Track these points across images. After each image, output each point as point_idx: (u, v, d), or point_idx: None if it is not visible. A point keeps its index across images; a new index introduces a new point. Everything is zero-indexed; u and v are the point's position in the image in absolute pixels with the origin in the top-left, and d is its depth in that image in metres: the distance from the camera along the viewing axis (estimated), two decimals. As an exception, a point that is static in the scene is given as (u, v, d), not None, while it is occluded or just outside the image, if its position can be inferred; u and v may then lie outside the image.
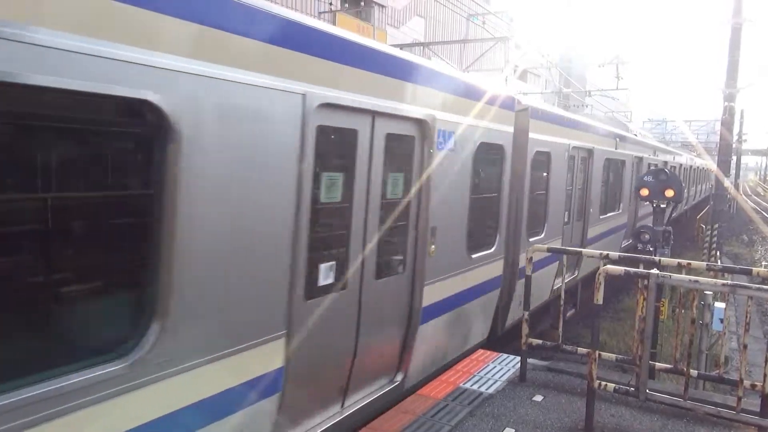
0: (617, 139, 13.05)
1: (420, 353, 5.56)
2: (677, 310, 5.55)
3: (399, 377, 5.39)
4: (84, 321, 2.91)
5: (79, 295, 2.89)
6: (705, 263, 5.72)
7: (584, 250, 6.45)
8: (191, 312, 3.18)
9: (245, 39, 3.40)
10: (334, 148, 4.43)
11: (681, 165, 24.68)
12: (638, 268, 5.32)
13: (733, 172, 30.12)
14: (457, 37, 27.86)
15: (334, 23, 19.22)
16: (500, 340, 7.52)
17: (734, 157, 30.09)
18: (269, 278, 3.72)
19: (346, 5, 22.80)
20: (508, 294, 7.59)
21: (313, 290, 4.17)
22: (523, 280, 5.98)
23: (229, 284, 3.43)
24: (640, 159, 15.74)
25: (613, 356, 5.76)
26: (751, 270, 5.41)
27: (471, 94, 6.15)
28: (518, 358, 5.99)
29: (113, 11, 2.68)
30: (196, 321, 3.22)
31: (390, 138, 4.88)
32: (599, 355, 5.02)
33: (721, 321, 7.95)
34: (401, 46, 12.14)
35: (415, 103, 5.11)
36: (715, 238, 16.42)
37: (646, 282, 4.87)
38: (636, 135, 17.43)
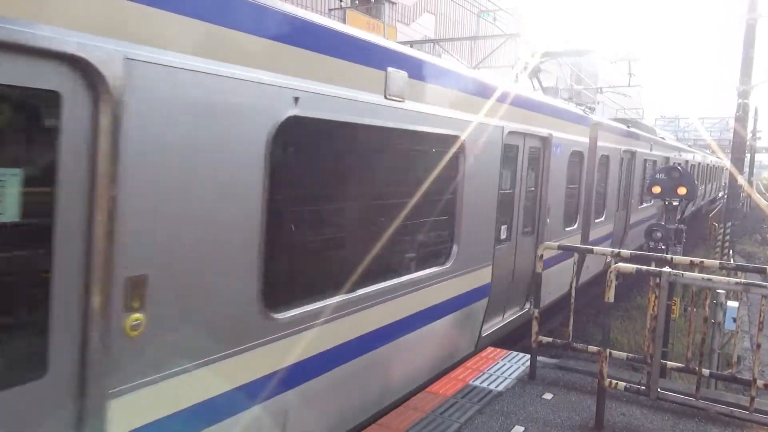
0: (651, 144, 16.04)
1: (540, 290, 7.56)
2: (689, 308, 5.49)
3: (527, 306, 7.80)
4: (437, 249, 5.78)
5: (436, 239, 5.78)
6: (718, 261, 5.65)
7: (595, 248, 6.42)
8: (463, 248, 5.93)
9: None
10: (509, 157, 7.04)
11: (699, 163, 28.53)
12: (650, 266, 5.27)
13: (747, 169, 29.77)
14: (467, 34, 27.75)
15: (344, 21, 19.19)
16: (509, 337, 7.52)
17: (748, 155, 29.76)
18: (487, 232, 6.50)
19: (356, 2, 22.74)
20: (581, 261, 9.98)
21: (499, 241, 6.89)
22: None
23: (475, 234, 6.19)
24: (667, 159, 18.54)
25: (624, 355, 5.72)
26: (765, 269, 5.33)
27: (567, 116, 8.83)
28: (528, 356, 5.96)
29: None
30: (465, 252, 5.97)
31: (530, 149, 7.54)
32: (610, 353, 4.98)
33: (734, 320, 7.88)
34: (411, 43, 12.13)
35: (542, 126, 7.69)
36: (728, 237, 16.27)
37: (658, 280, 4.83)
38: (664, 139, 20.73)
